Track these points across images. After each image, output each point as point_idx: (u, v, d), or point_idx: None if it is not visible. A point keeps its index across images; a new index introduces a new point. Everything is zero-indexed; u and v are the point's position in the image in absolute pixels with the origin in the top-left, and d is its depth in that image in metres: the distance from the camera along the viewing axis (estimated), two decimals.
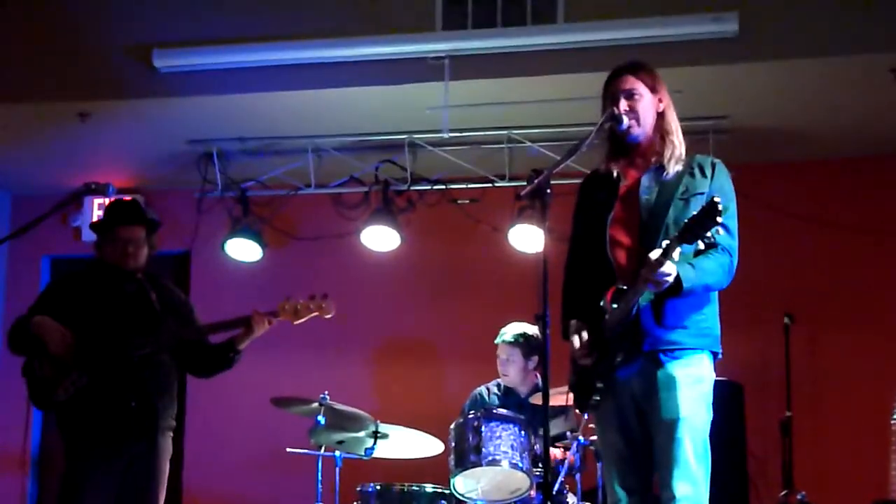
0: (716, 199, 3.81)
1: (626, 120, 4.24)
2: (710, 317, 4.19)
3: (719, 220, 3.77)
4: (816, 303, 7.52)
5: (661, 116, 4.30)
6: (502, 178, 7.75)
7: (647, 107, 4.29)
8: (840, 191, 7.68)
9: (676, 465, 4.05)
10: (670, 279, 3.93)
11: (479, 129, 7.40)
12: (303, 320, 5.54)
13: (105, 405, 5.29)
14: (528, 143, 7.43)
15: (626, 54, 6.39)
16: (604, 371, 4.19)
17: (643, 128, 4.28)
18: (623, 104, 4.26)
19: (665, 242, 3.91)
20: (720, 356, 4.22)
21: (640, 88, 4.29)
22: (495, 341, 6.66)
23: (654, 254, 3.91)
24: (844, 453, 7.30)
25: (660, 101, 4.31)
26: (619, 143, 4.32)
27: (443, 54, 6.74)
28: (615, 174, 4.32)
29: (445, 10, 6.88)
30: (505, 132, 7.43)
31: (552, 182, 4.02)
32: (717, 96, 6.87)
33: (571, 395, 4.40)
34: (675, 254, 3.89)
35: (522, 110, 7.14)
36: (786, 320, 7.34)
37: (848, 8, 6.45)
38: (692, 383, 4.10)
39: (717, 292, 4.22)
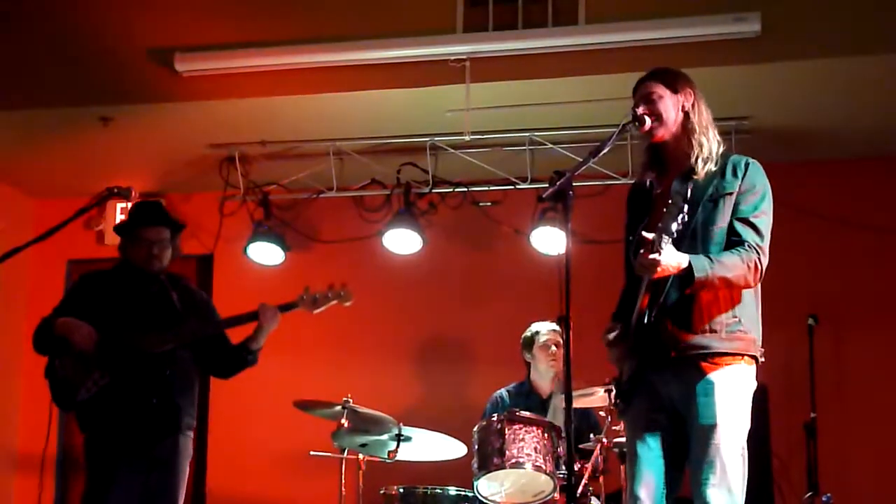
0: (688, 186, 3.94)
1: (648, 121, 4.24)
2: (744, 318, 4.14)
3: (684, 205, 3.82)
4: (840, 303, 7.49)
5: (688, 116, 4.30)
6: (524, 180, 7.74)
7: (668, 107, 4.29)
8: (864, 190, 7.64)
9: (712, 471, 4.03)
10: (661, 265, 3.90)
11: (500, 132, 7.39)
12: (322, 310, 5.56)
13: (127, 403, 5.33)
14: (550, 145, 7.41)
15: (647, 55, 6.44)
16: (629, 376, 4.20)
17: (667, 127, 4.28)
18: (641, 108, 4.27)
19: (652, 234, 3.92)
20: (761, 359, 4.19)
21: (659, 90, 4.30)
22: (537, 340, 6.64)
23: (647, 235, 3.92)
24: (869, 455, 7.27)
25: (684, 100, 4.30)
26: (654, 150, 4.34)
27: (464, 56, 6.74)
28: (648, 183, 4.31)
29: (466, 11, 6.87)
30: (526, 134, 7.42)
31: (574, 184, 4.01)
32: (739, 96, 6.85)
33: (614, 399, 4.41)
34: (664, 244, 3.87)
35: (544, 112, 7.13)
36: (810, 321, 7.31)
37: (870, 7, 6.42)
38: (730, 388, 4.08)
39: (752, 294, 4.19)
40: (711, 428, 4.04)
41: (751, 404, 4.16)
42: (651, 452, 4.19)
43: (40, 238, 4.76)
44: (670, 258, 3.92)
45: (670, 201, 3.87)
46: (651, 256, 3.89)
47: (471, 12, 6.88)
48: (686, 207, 3.83)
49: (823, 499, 6.71)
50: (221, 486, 8.09)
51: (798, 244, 7.31)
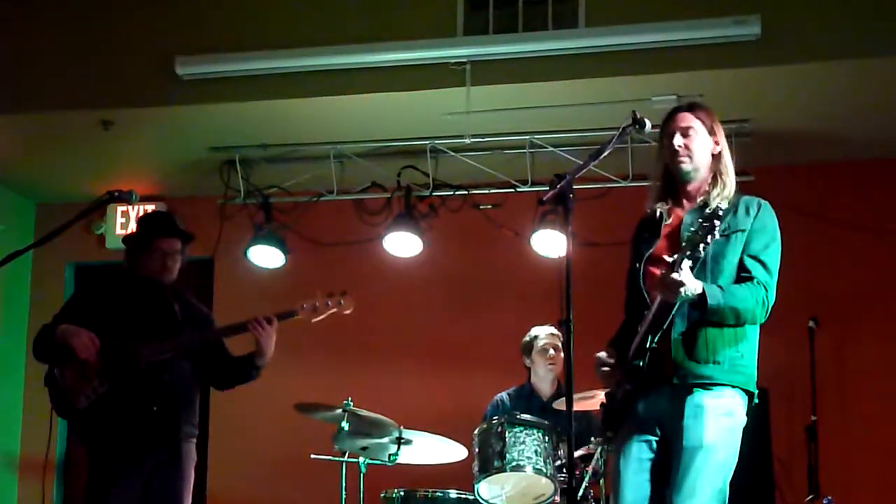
0: (719, 206, 3.85)
1: (648, 124, 4.23)
2: (746, 355, 4.14)
3: (717, 222, 3.77)
4: (841, 306, 7.49)
5: (716, 159, 4.27)
6: (524, 182, 7.74)
7: (702, 145, 4.26)
8: (865, 193, 7.65)
9: (692, 495, 3.97)
10: (683, 288, 3.89)
11: (500, 135, 7.39)
12: (321, 317, 5.56)
13: (127, 411, 5.32)
14: (550, 148, 7.42)
15: (647, 58, 6.47)
16: (622, 398, 4.19)
17: (696, 165, 4.25)
18: (678, 139, 4.24)
19: (675, 255, 3.90)
20: (756, 399, 4.15)
21: (697, 126, 4.26)
22: (535, 344, 6.66)
23: (666, 259, 3.91)
24: (870, 458, 7.26)
25: (716, 143, 4.28)
26: (671, 183, 4.31)
27: (464, 59, 6.74)
28: (658, 213, 4.31)
29: (466, 15, 6.89)
30: (527, 137, 7.42)
31: (575, 186, 4.01)
32: (739, 99, 6.85)
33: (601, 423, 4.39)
34: (685, 265, 3.87)
35: (544, 115, 7.13)
36: (810, 324, 7.30)
37: (869, 10, 6.43)
38: (721, 415, 4.04)
39: (756, 333, 4.18)
40: (695, 450, 3.99)
41: (739, 440, 4.09)
42: (636, 476, 4.14)
43: (41, 241, 4.75)
44: (689, 281, 3.92)
45: (701, 220, 3.82)
46: (673, 276, 3.87)
47: (471, 16, 6.89)
48: (718, 223, 3.80)
49: (824, 502, 6.70)
50: (222, 489, 8.09)
51: (799, 247, 7.23)
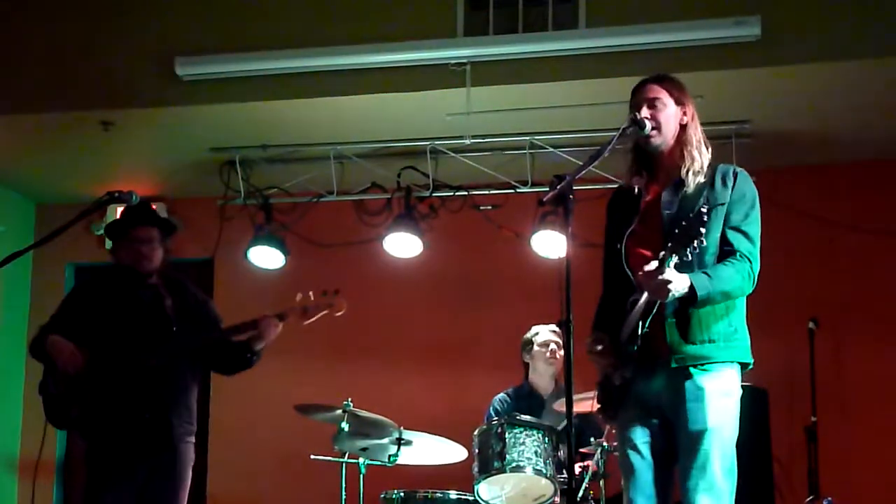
0: (703, 210, 3.85)
1: (648, 125, 4.23)
2: (738, 326, 4.16)
3: (703, 230, 3.79)
4: (841, 307, 7.48)
5: (683, 129, 4.28)
6: (524, 183, 7.74)
7: (669, 116, 4.27)
8: (864, 194, 7.65)
9: (702, 477, 4.02)
10: (672, 286, 3.91)
11: (500, 135, 7.39)
12: (313, 319, 5.52)
13: (119, 418, 5.30)
14: (550, 149, 7.41)
15: (647, 59, 6.46)
16: (620, 384, 4.19)
17: (664, 137, 4.26)
18: (645, 111, 4.25)
19: (661, 253, 3.91)
20: (751, 366, 4.19)
21: (664, 98, 4.28)
22: (536, 340, 6.67)
23: (651, 265, 3.92)
24: (870, 459, 7.27)
25: (684, 113, 4.29)
26: (643, 156, 4.32)
27: (464, 60, 6.74)
28: (636, 190, 4.31)
29: (467, 16, 6.88)
30: (527, 138, 7.42)
31: (575, 187, 4.01)
32: (739, 101, 6.86)
33: (597, 405, 4.39)
34: (672, 262, 3.89)
35: (544, 116, 7.13)
36: (810, 325, 7.30)
37: (869, 11, 6.43)
38: (721, 396, 4.08)
39: (742, 300, 4.19)
40: (701, 434, 4.04)
41: (739, 410, 4.14)
42: (643, 460, 4.18)
43: (41, 241, 4.75)
44: (676, 279, 3.93)
45: (684, 223, 3.85)
46: (661, 278, 3.89)
47: (471, 16, 6.89)
48: (705, 232, 3.81)
49: (824, 503, 6.71)
50: (222, 489, 8.10)
51: (799, 248, 7.31)
